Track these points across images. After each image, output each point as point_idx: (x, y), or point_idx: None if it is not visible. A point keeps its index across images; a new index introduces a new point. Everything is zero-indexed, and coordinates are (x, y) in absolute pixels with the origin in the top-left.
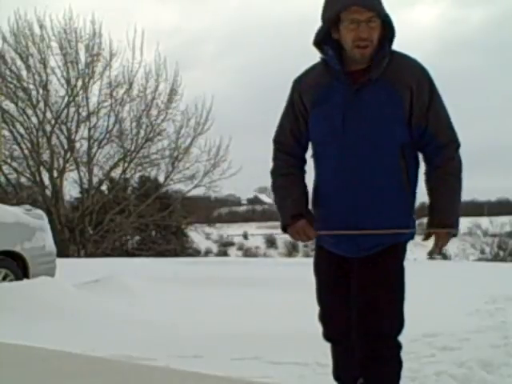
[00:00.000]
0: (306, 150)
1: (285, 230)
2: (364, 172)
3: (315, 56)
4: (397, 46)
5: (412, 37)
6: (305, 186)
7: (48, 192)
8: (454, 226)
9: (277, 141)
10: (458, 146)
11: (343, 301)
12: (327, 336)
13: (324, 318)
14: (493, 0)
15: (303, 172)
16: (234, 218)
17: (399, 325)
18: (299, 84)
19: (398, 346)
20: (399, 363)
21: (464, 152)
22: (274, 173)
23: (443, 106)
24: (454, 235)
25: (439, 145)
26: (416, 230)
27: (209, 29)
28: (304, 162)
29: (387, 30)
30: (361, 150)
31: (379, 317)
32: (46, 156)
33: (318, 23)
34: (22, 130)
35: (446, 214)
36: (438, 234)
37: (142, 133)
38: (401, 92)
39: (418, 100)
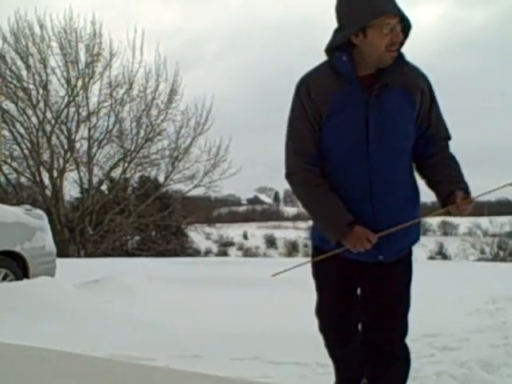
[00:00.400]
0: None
1: (338, 242)
2: (389, 175)
3: (317, 56)
4: None
5: (414, 37)
6: None
7: (48, 192)
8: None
9: (302, 152)
10: (449, 140)
11: (348, 307)
12: (329, 344)
13: (327, 327)
14: (494, 0)
15: None
16: (234, 218)
17: (407, 326)
18: (307, 88)
19: (406, 347)
20: (408, 364)
21: (464, 151)
22: (306, 184)
23: (439, 107)
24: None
25: (435, 140)
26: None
27: (211, 28)
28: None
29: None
30: (384, 153)
31: (395, 319)
32: (46, 156)
33: (320, 24)
34: (22, 130)
35: (459, 182)
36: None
37: (142, 133)
38: (414, 93)
39: (424, 102)
